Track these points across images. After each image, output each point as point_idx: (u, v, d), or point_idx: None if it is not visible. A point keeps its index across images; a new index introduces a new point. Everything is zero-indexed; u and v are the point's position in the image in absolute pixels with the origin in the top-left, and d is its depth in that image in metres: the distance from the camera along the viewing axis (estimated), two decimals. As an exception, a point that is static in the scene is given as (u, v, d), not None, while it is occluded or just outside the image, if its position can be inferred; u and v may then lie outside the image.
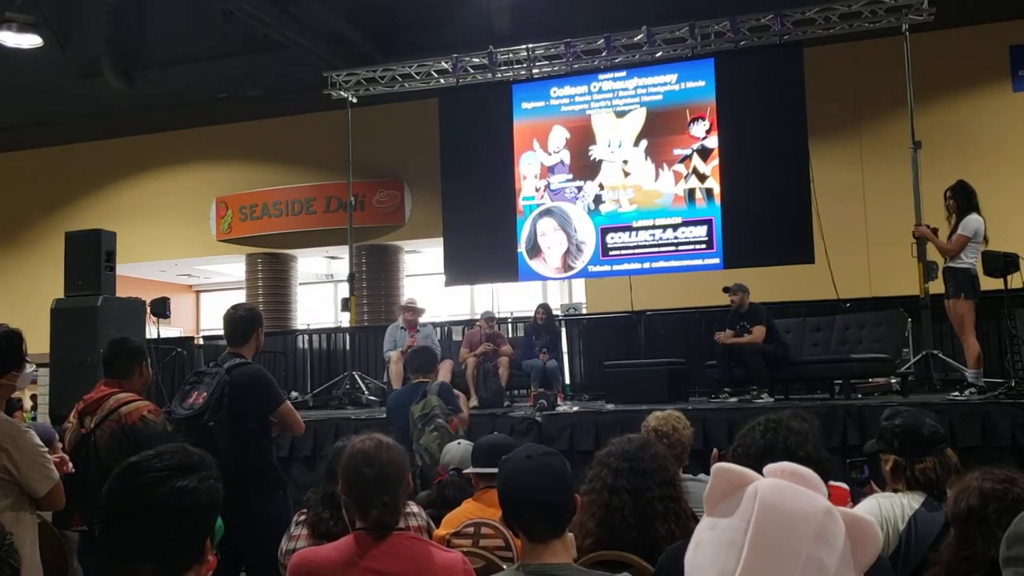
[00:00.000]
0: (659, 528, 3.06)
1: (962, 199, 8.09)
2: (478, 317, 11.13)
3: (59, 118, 18.50)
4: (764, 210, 11.34)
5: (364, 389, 11.47)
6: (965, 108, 13.88)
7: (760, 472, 1.14)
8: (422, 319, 10.69)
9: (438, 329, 12.02)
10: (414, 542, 2.93)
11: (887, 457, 3.39)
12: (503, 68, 12.45)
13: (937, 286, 8.79)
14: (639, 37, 11.69)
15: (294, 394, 11.84)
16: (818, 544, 1.05)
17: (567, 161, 12.27)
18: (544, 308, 10.84)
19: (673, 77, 11.94)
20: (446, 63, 12.47)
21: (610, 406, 9.14)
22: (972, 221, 7.96)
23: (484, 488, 4.02)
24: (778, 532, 1.05)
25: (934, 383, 9.20)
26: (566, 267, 12.29)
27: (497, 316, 12.02)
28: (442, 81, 12.66)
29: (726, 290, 9.49)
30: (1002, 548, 1.59)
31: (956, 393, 8.02)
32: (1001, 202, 11.39)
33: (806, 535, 1.05)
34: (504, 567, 2.93)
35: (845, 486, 4.13)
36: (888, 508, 3.18)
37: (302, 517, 3.82)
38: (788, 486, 1.11)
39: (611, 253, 12.00)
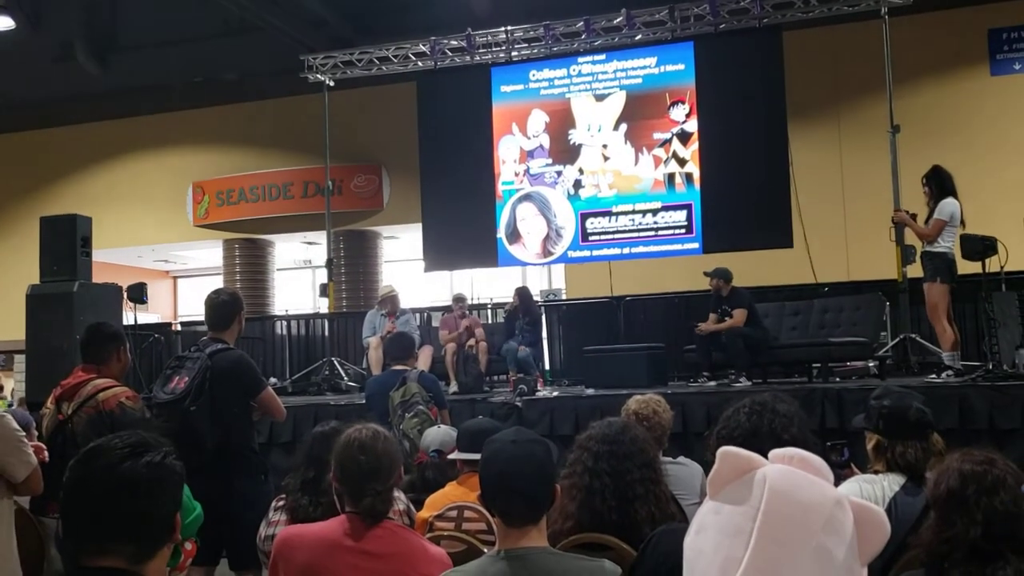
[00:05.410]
0: (639, 511, 3.06)
1: (936, 184, 8.13)
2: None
3: (32, 102, 18.30)
4: (743, 195, 11.35)
5: (343, 375, 11.43)
6: (944, 92, 13.95)
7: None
8: (402, 305, 10.66)
9: (417, 315, 11.98)
10: (403, 531, 2.98)
11: (871, 436, 3.40)
12: (481, 51, 12.37)
13: (915, 270, 8.85)
14: (618, 20, 11.67)
15: (273, 380, 11.77)
16: (827, 533, 1.04)
17: (546, 145, 12.23)
18: (523, 290, 10.80)
19: (653, 60, 11.90)
20: (424, 46, 12.39)
21: (590, 391, 9.11)
22: (948, 205, 7.98)
23: (468, 472, 4.01)
24: (788, 521, 1.04)
25: (912, 366, 9.26)
26: (546, 252, 12.26)
27: (472, 301, 11.95)
28: (420, 64, 12.59)
29: (707, 274, 9.48)
30: None
31: (934, 376, 8.07)
32: (979, 185, 11.49)
33: (816, 525, 1.04)
34: (486, 551, 2.93)
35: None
36: (869, 491, 3.19)
37: (281, 502, 3.82)
38: (798, 474, 1.10)
39: (591, 238, 11.98)
